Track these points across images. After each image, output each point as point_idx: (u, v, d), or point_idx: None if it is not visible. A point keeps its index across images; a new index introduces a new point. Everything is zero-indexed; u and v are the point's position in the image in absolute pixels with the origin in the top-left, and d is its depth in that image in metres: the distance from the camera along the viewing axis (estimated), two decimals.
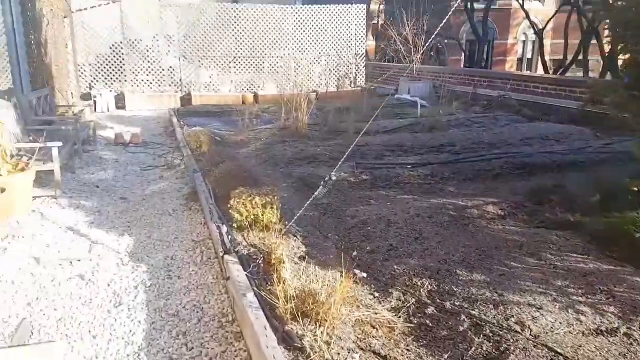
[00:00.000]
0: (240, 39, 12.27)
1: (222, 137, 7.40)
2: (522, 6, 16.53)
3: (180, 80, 12.01)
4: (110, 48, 11.39)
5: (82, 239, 3.99)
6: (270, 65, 12.71)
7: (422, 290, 2.92)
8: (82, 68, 11.13)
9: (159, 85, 11.87)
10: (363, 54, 13.39)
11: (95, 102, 10.56)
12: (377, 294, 2.91)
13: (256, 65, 12.56)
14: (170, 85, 11.99)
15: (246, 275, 2.93)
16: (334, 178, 2.86)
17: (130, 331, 2.76)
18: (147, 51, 11.70)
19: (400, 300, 2.83)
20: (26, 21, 6.85)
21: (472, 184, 4.84)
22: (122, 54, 11.42)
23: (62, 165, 4.96)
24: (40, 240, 3.92)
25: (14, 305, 3.01)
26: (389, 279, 3.05)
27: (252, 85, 12.59)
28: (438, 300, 2.81)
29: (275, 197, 3.69)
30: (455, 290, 2.90)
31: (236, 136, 7.48)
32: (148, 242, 3.94)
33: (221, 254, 3.27)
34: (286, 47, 12.67)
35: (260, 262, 3.10)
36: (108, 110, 10.81)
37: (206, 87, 12.25)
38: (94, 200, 4.89)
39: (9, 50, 6.60)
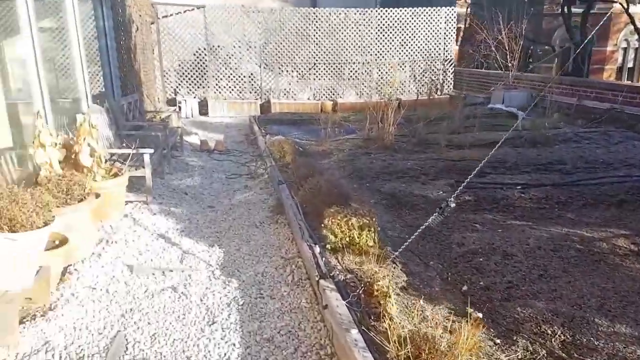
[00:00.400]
0: (320, 44, 12.03)
1: (303, 146, 7.24)
2: (627, 10, 14.95)
3: (260, 87, 12.07)
4: (194, 54, 11.68)
5: (173, 247, 3.94)
6: (351, 71, 12.37)
7: (553, 340, 2.49)
8: (167, 74, 11.50)
9: (239, 92, 12.02)
10: (451, 60, 12.65)
11: (180, 107, 10.89)
12: (498, 341, 2.52)
13: (336, 71, 12.28)
14: (250, 92, 12.08)
15: (346, 306, 2.66)
16: (452, 205, 2.49)
17: (225, 354, 2.61)
18: (229, 58, 11.84)
19: (527, 351, 2.43)
20: (116, 26, 6.88)
21: (594, 211, 4.22)
22: (205, 60, 11.64)
23: (152, 171, 5.01)
24: (133, 247, 3.92)
25: (109, 316, 2.96)
26: (511, 323, 2.64)
27: (332, 92, 12.34)
28: (575, 355, 2.38)
29: (373, 219, 3.41)
30: (595, 343, 2.45)
31: (318, 146, 7.28)
32: (237, 255, 3.81)
33: (316, 278, 3.03)
34: (368, 52, 12.25)
35: (360, 292, 2.83)
36: (192, 116, 11.13)
37: (285, 95, 12.21)
38: (183, 207, 4.88)
39: (101, 55, 6.65)
